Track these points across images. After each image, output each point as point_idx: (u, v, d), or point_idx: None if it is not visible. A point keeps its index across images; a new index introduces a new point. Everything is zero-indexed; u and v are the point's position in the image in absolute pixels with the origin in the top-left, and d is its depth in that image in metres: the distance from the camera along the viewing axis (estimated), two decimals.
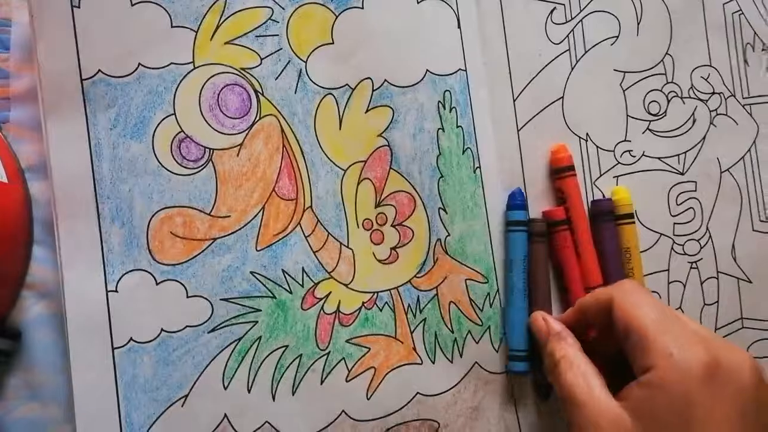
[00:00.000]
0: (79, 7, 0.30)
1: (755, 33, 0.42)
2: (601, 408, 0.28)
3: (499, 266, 0.36)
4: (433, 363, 0.35)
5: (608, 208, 0.37)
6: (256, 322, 0.32)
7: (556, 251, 0.37)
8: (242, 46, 0.33)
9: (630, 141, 0.39)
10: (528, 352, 0.35)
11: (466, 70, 0.36)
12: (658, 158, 0.40)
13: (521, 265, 0.35)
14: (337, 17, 0.34)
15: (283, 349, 0.33)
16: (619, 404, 0.28)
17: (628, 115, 0.39)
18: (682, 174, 0.40)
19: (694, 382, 0.26)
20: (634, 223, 0.38)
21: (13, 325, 0.31)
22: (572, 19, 0.38)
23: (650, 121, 0.40)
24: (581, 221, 0.37)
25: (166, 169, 0.31)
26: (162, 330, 0.31)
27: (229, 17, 0.32)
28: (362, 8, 0.34)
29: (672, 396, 0.26)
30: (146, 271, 0.31)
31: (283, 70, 0.33)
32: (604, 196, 0.39)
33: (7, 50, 0.33)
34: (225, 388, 0.32)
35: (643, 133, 0.40)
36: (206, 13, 0.32)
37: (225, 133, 0.32)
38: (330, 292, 0.34)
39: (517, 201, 0.36)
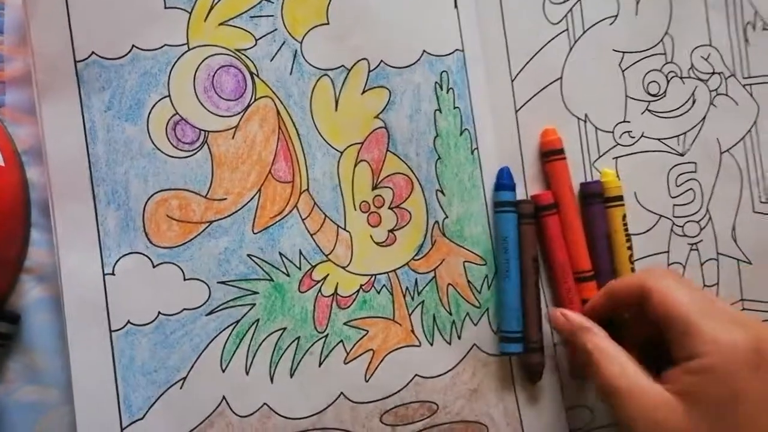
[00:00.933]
0: None
1: (756, 11, 0.41)
2: (649, 394, 0.28)
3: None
4: (432, 345, 0.35)
5: (597, 191, 0.37)
6: (254, 304, 0.32)
7: (544, 235, 0.36)
8: (237, 27, 0.32)
9: (629, 122, 0.39)
10: (521, 333, 0.35)
11: (463, 51, 0.36)
12: (658, 139, 0.39)
13: (514, 246, 0.35)
14: None
15: (281, 331, 0.33)
16: (665, 389, 0.28)
17: (627, 96, 0.39)
18: (681, 155, 0.40)
19: (743, 367, 0.27)
20: (622, 205, 0.38)
21: (12, 309, 0.31)
22: None
23: (649, 101, 0.39)
24: (569, 205, 0.36)
25: (161, 151, 0.31)
26: (159, 313, 0.31)
27: None
28: None
29: (722, 381, 0.27)
30: (143, 254, 0.31)
31: (278, 51, 0.33)
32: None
33: (1, 33, 0.32)
34: (223, 371, 0.32)
35: (642, 113, 0.39)
36: None
37: (220, 115, 0.32)
38: (327, 275, 0.33)
39: (504, 181, 0.36)
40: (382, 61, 0.34)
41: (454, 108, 0.35)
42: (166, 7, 0.31)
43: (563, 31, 0.38)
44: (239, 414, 0.32)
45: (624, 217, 0.37)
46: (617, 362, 0.30)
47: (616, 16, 0.39)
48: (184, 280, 0.31)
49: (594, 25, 0.38)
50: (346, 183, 0.34)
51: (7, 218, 0.30)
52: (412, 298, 0.35)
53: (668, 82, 0.40)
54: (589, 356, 0.31)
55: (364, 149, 0.34)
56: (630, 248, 0.37)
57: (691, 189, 0.40)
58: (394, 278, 0.34)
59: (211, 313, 0.32)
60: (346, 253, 0.34)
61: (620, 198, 0.37)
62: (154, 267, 0.31)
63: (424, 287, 0.35)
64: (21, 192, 0.31)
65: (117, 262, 0.31)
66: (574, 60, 0.38)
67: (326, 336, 0.33)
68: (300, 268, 0.33)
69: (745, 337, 0.28)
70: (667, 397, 0.28)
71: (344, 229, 0.34)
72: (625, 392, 0.28)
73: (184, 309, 0.31)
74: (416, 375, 0.34)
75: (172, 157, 0.31)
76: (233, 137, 0.32)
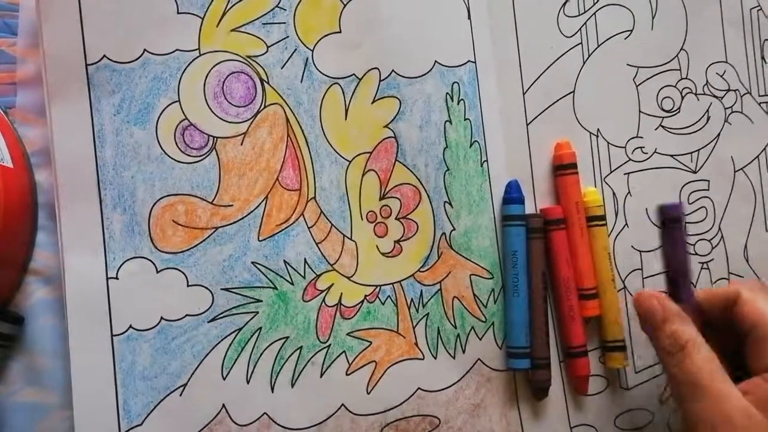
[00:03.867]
0: None
1: None
2: (729, 398, 0.27)
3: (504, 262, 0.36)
4: (435, 358, 0.34)
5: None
6: (257, 312, 0.32)
7: (551, 250, 0.36)
8: (248, 33, 0.32)
9: (642, 137, 0.39)
10: (528, 349, 0.34)
11: (475, 62, 0.36)
12: (671, 156, 0.39)
13: (523, 260, 0.35)
14: (345, 6, 0.34)
15: (284, 340, 0.32)
16: (744, 397, 0.28)
17: (640, 111, 0.39)
18: (694, 172, 0.39)
19: None
20: (604, 225, 0.37)
21: (16, 310, 0.31)
22: (585, 12, 0.38)
23: (663, 117, 0.39)
24: (576, 221, 0.36)
25: (169, 156, 0.31)
26: (162, 318, 0.31)
27: (235, 4, 0.32)
28: None
29: None
30: (147, 258, 0.31)
31: (289, 59, 0.33)
32: (614, 193, 0.38)
33: (14, 35, 0.33)
34: (224, 379, 0.31)
35: (656, 129, 0.39)
36: (213, 0, 0.32)
37: (229, 122, 0.32)
38: (332, 284, 0.33)
39: (513, 194, 0.35)
40: (393, 70, 0.34)
41: (465, 119, 0.35)
42: (178, 13, 0.31)
43: (577, 45, 0.38)
44: (239, 423, 0.31)
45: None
46: (708, 360, 0.29)
47: (631, 30, 0.38)
48: (188, 286, 0.31)
49: (609, 39, 0.38)
50: (353, 192, 0.34)
51: (15, 219, 0.30)
52: (417, 311, 0.34)
53: (683, 98, 0.39)
54: (683, 347, 0.29)
55: (372, 159, 0.34)
56: (612, 270, 0.36)
57: (703, 207, 0.39)
58: (399, 290, 0.34)
59: (213, 320, 0.31)
60: (351, 262, 0.34)
61: (600, 218, 0.36)
62: (158, 272, 0.31)
63: (429, 299, 0.34)
64: (29, 194, 0.31)
65: (121, 266, 0.30)
66: (587, 74, 0.38)
67: (329, 346, 0.33)
68: (304, 277, 0.33)
69: None
70: (747, 406, 0.27)
71: (350, 238, 0.34)
72: (708, 392, 0.28)
73: (187, 315, 0.31)
74: (419, 388, 0.34)
75: (180, 162, 0.31)
76: (242, 144, 0.32)
